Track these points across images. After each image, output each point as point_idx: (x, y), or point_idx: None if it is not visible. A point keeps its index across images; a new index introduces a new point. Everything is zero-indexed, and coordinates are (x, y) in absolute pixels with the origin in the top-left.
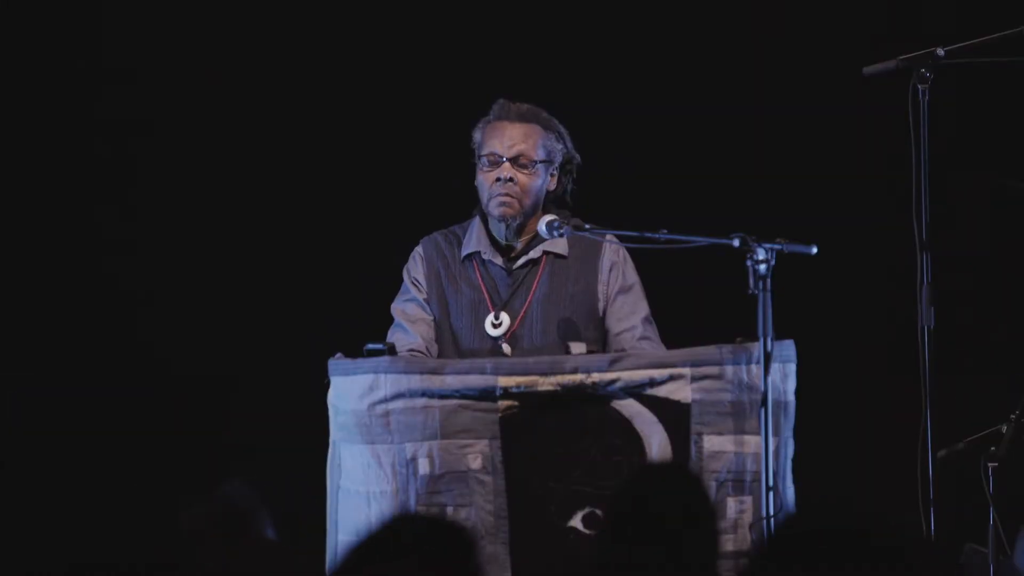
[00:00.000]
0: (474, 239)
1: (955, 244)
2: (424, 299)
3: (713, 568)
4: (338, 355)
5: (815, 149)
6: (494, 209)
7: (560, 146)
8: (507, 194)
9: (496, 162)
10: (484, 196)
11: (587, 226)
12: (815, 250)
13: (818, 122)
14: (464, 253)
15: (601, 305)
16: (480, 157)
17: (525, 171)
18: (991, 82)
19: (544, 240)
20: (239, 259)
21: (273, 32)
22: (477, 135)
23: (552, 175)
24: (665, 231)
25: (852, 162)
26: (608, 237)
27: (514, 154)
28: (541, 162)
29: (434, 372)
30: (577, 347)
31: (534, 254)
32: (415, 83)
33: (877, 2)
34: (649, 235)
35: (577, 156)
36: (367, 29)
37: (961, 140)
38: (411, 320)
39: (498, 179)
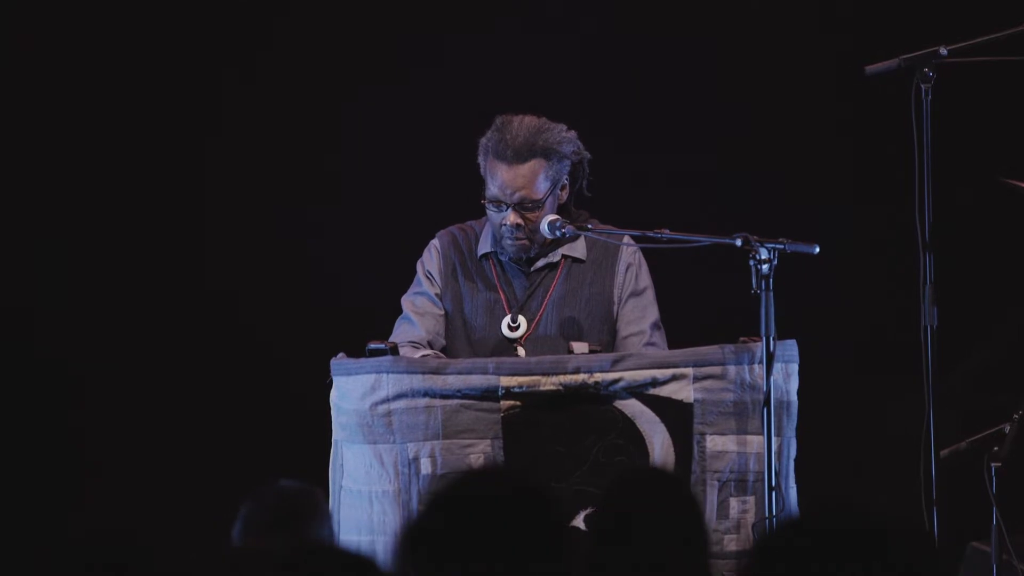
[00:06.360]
0: (490, 239)
1: (958, 243)
2: (436, 293)
3: (705, 568)
4: (340, 355)
5: (818, 149)
6: (508, 248)
7: (565, 162)
8: (518, 237)
9: (500, 207)
10: (496, 231)
11: (588, 225)
12: (817, 250)
13: (821, 122)
14: (480, 252)
15: (615, 308)
16: (485, 196)
17: (532, 212)
18: (994, 81)
19: (562, 244)
20: (242, 259)
21: (268, 27)
22: (480, 159)
23: (563, 187)
24: (667, 231)
25: (855, 161)
26: (626, 239)
27: (517, 200)
28: (547, 194)
29: (436, 372)
30: (579, 347)
31: (553, 258)
32: (414, 81)
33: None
34: (651, 235)
35: (586, 154)
36: (369, 26)
37: (963, 139)
38: (419, 313)
39: (504, 224)
